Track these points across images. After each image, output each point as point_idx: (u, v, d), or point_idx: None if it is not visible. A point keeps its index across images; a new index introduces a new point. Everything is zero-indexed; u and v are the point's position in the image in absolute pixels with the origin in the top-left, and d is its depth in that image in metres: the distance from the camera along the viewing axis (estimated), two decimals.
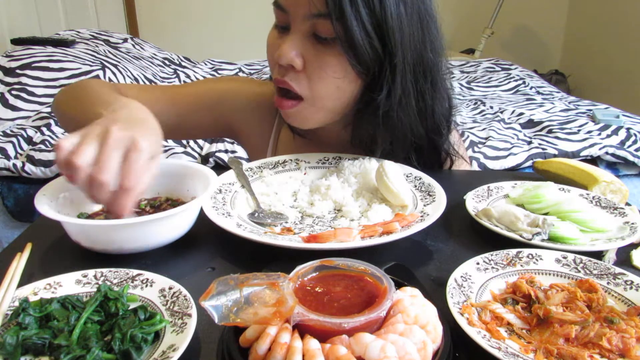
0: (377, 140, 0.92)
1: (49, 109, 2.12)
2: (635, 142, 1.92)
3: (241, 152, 1.86)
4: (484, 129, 2.07)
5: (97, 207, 0.80)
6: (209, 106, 1.07)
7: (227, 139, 1.92)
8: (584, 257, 0.66)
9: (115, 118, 0.68)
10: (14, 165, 1.74)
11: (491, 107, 2.41)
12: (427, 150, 0.99)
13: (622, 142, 1.91)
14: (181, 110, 1.05)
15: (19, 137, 1.89)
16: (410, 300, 0.50)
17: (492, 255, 0.66)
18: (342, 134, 0.99)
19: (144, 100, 0.79)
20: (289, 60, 0.84)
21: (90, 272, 0.62)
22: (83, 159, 0.63)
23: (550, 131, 2.05)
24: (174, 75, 2.86)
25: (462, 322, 0.53)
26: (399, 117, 0.89)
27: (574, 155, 1.84)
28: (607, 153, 1.84)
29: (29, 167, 1.74)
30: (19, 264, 0.63)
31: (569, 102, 2.52)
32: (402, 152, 0.96)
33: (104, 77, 2.35)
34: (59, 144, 0.64)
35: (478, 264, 0.65)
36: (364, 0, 0.78)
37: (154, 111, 0.74)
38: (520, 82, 2.86)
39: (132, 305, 0.57)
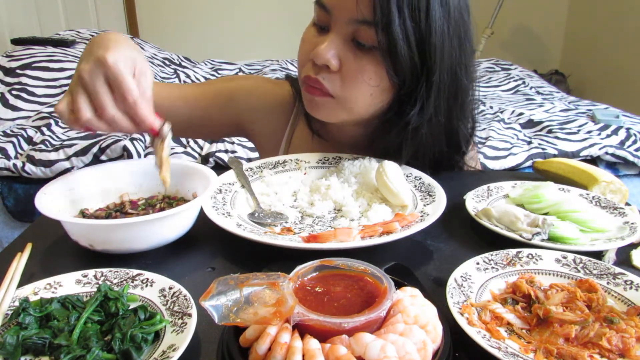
0: (402, 152, 0.92)
1: (49, 109, 2.12)
2: (635, 142, 1.92)
3: (241, 152, 1.86)
4: (484, 129, 2.07)
5: (98, 206, 0.80)
6: (220, 105, 1.06)
7: (227, 139, 1.92)
8: (583, 257, 0.66)
9: (81, 58, 0.69)
10: (14, 165, 1.74)
11: (491, 107, 2.41)
12: (443, 163, 1.00)
13: (622, 142, 1.91)
14: (194, 109, 1.04)
15: (19, 137, 1.89)
16: (410, 300, 0.50)
17: (492, 255, 0.66)
18: (361, 139, 0.98)
19: (157, 96, 0.79)
20: (325, 61, 0.83)
21: (90, 272, 0.62)
22: (84, 114, 0.66)
23: (550, 131, 2.05)
24: (174, 75, 2.86)
25: (462, 322, 0.53)
26: (427, 134, 0.89)
27: (573, 155, 1.84)
28: (607, 153, 1.84)
29: (29, 167, 1.74)
30: (19, 264, 0.64)
31: (569, 102, 2.52)
32: (422, 164, 0.95)
33: None
34: (57, 110, 0.67)
35: (478, 264, 0.65)
36: (411, 13, 0.78)
37: (167, 108, 0.74)
38: (520, 82, 2.86)
39: (132, 305, 0.57)
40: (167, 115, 0.73)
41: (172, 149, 1.86)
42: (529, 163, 1.82)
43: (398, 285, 0.53)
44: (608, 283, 0.63)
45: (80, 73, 0.66)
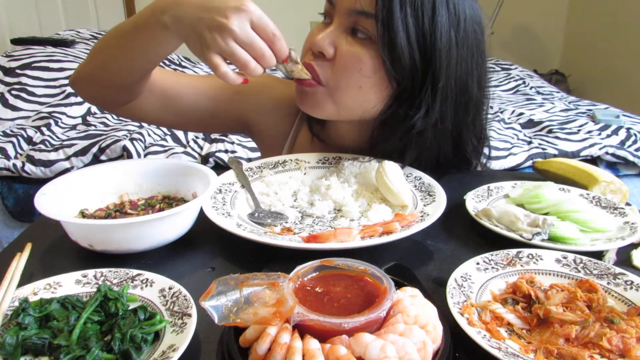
0: (405, 155, 0.92)
1: (49, 109, 2.12)
2: (635, 142, 1.92)
3: (241, 152, 1.86)
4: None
5: (98, 206, 0.80)
6: (228, 98, 1.06)
7: (227, 139, 1.92)
8: (584, 257, 0.66)
9: (196, 17, 0.69)
10: (14, 165, 1.74)
11: (491, 107, 2.40)
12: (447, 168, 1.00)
13: (622, 142, 1.91)
14: (203, 99, 1.03)
15: (19, 137, 1.89)
16: (410, 300, 0.50)
17: (492, 255, 0.66)
18: (362, 143, 0.97)
19: (175, 82, 0.77)
20: (319, 47, 0.84)
21: (90, 272, 0.62)
22: (252, 67, 0.70)
23: (550, 131, 2.05)
24: None
25: (462, 322, 0.53)
26: (432, 138, 0.89)
27: (574, 155, 1.83)
28: (607, 153, 1.84)
29: (29, 167, 1.74)
30: (19, 264, 0.63)
31: (569, 102, 2.52)
32: (424, 169, 0.95)
33: None
34: (220, 74, 0.69)
35: (478, 264, 0.65)
36: (414, 12, 0.80)
37: (182, 95, 0.73)
38: (520, 82, 2.86)
39: (132, 305, 0.57)
40: (179, 102, 0.73)
41: (172, 149, 1.86)
42: (529, 163, 1.81)
43: (398, 285, 0.53)
44: (608, 283, 0.63)
45: (227, 27, 0.67)
